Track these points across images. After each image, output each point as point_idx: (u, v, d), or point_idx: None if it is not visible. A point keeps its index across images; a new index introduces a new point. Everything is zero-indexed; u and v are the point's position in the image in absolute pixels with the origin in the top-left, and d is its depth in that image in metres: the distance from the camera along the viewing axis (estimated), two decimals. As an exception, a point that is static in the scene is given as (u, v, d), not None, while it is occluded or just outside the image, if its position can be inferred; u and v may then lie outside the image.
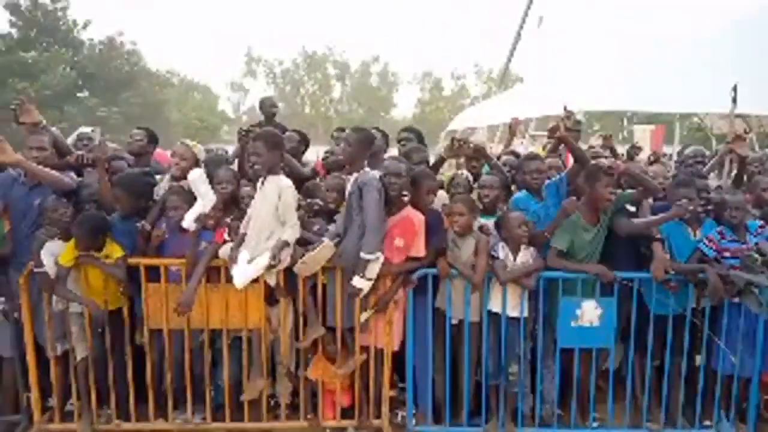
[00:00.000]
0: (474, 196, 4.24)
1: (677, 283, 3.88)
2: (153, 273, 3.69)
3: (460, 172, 4.34)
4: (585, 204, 3.85)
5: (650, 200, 4.16)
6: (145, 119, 26.76)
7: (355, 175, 3.68)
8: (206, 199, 3.83)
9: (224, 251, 3.66)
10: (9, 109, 3.94)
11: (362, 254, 3.50)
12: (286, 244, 3.57)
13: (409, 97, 44.67)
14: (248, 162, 3.81)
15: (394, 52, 57.59)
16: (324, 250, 3.63)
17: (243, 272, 3.53)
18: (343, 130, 5.45)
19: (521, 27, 22.82)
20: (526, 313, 3.86)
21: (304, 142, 5.15)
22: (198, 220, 3.71)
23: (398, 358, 4.02)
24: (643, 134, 12.65)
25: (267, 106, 6.46)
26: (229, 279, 3.74)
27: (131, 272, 3.68)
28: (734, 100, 5.08)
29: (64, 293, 3.60)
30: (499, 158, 5.07)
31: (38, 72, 26.03)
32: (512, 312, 3.86)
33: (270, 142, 3.59)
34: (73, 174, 3.97)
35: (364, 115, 39.15)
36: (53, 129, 4.22)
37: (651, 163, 5.12)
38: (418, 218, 3.79)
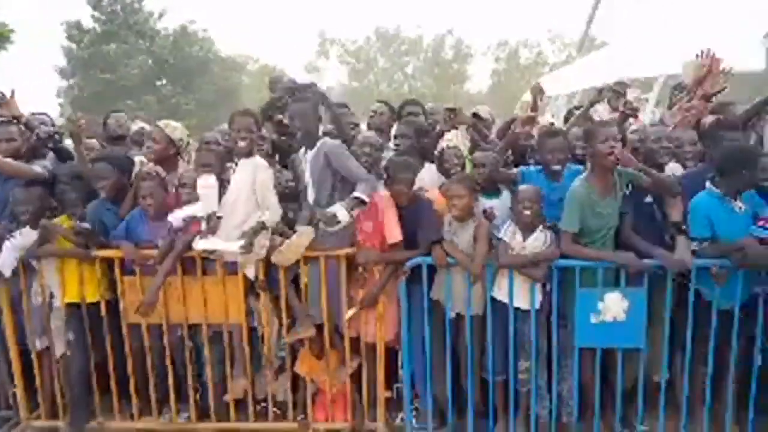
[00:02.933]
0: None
1: (721, 270, 3.23)
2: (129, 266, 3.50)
3: (448, 144, 3.81)
4: (592, 172, 3.28)
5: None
6: (219, 104, 27.45)
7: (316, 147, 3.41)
8: (208, 208, 3.41)
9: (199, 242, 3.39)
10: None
11: (356, 193, 3.28)
12: (262, 227, 3.28)
13: (484, 69, 43.06)
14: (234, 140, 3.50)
15: (467, 24, 55.79)
16: (302, 236, 3.30)
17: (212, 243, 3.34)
18: (385, 103, 4.99)
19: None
20: (537, 305, 3.36)
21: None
22: (186, 222, 3.40)
23: (395, 355, 3.64)
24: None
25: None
26: (207, 271, 3.51)
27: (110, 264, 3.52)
28: None
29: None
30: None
31: (118, 63, 27.25)
32: (520, 303, 3.37)
33: (257, 122, 3.47)
34: (46, 163, 3.82)
35: (437, 90, 38.28)
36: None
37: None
38: (383, 199, 3.40)
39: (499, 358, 3.44)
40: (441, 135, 3.92)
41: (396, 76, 44.13)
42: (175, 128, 3.87)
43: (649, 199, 3.48)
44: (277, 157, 4.08)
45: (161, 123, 3.90)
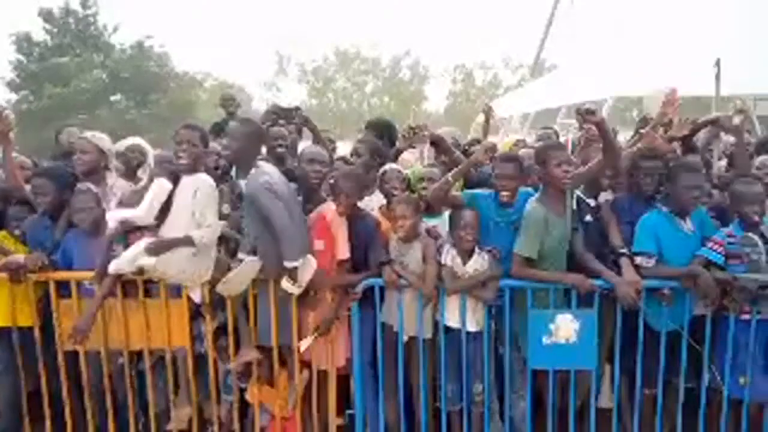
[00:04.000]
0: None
1: (671, 291, 3.28)
2: (65, 288, 3.32)
3: (390, 166, 3.76)
4: (545, 194, 3.29)
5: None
6: (175, 120, 26.90)
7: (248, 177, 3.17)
8: (146, 212, 3.19)
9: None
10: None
11: (285, 263, 3.05)
12: (188, 241, 3.10)
13: (440, 90, 43.72)
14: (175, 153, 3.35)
15: (424, 45, 56.68)
16: (246, 267, 3.18)
17: (117, 260, 3.13)
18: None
19: (553, 12, 22.03)
20: (488, 327, 3.33)
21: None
22: (123, 223, 3.20)
23: (345, 381, 3.55)
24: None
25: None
26: (149, 293, 3.36)
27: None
28: (717, 76, 4.49)
29: None
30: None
31: (71, 77, 26.48)
32: (472, 326, 3.34)
33: (204, 137, 3.28)
34: None
35: (395, 109, 38.58)
36: None
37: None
38: (332, 213, 3.33)
39: (453, 385, 3.39)
40: (398, 154, 3.88)
41: (355, 96, 44.36)
42: (102, 138, 3.67)
43: (589, 218, 3.52)
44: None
45: (88, 134, 3.71)
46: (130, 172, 3.83)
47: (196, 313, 3.40)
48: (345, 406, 3.63)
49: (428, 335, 3.40)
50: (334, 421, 3.48)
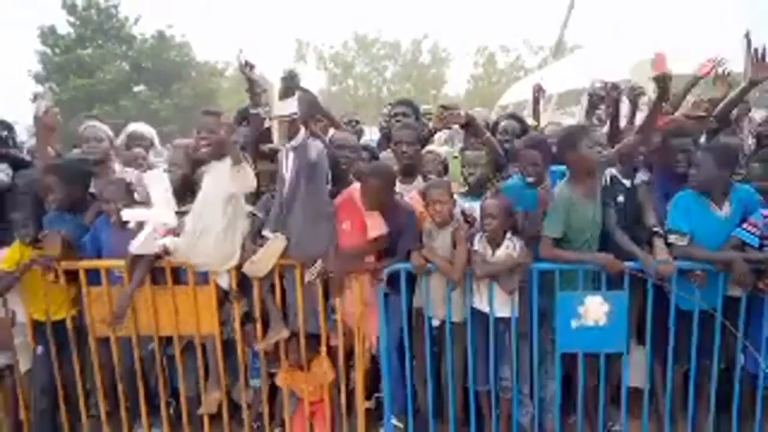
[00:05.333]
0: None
1: (704, 273, 3.21)
2: (93, 276, 3.36)
3: (431, 149, 3.74)
4: (574, 176, 3.22)
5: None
6: (197, 109, 27.04)
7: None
8: (160, 205, 3.29)
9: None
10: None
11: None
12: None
13: (461, 74, 43.28)
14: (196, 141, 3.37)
15: (444, 28, 55.90)
16: (273, 244, 3.19)
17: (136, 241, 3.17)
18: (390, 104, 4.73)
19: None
20: (517, 312, 3.29)
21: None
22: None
23: (373, 365, 3.55)
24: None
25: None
26: (179, 281, 3.39)
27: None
28: (747, 50, 4.31)
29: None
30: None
31: (94, 68, 26.80)
32: (501, 311, 3.31)
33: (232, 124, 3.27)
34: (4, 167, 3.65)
35: (415, 94, 38.33)
36: None
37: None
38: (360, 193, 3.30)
39: (481, 368, 3.37)
40: (432, 134, 3.85)
41: (375, 81, 44.12)
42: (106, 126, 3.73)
43: (621, 198, 3.46)
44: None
45: (95, 123, 3.73)
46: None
47: (224, 298, 3.42)
48: (373, 389, 3.63)
49: (458, 319, 3.37)
50: (362, 404, 3.49)
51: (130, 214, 3.26)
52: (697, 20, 12.38)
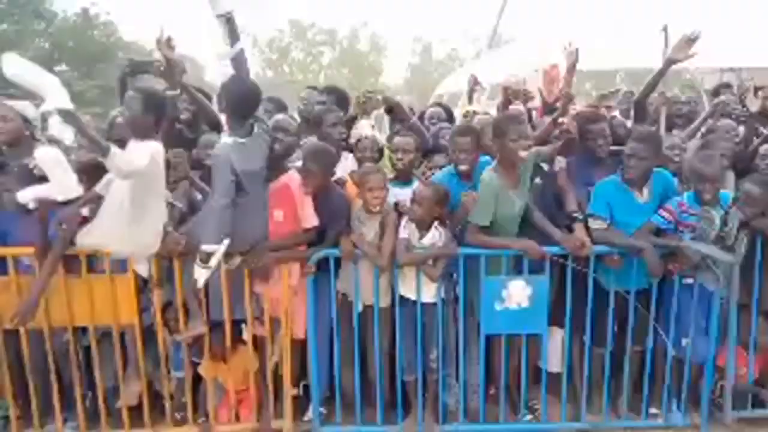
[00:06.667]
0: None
1: (620, 257, 3.35)
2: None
3: (365, 134, 3.73)
4: (500, 165, 3.27)
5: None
6: (124, 92, 25.91)
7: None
8: (60, 185, 3.08)
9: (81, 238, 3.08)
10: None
11: (202, 246, 2.98)
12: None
13: (399, 63, 43.34)
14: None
15: (383, 17, 55.77)
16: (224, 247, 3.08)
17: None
18: (314, 88, 4.76)
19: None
20: (443, 295, 3.34)
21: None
22: (40, 202, 3.04)
23: (301, 352, 3.52)
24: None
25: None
26: (93, 269, 3.23)
27: None
28: (666, 43, 4.53)
29: None
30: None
31: (10, 46, 25.16)
32: (427, 297, 3.34)
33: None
34: None
35: (353, 81, 38.14)
36: None
37: None
38: (296, 182, 3.25)
39: (409, 355, 3.40)
40: (353, 120, 3.81)
41: (312, 67, 43.61)
42: (26, 106, 3.45)
43: (538, 180, 3.56)
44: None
45: (6, 101, 3.50)
46: None
47: (143, 286, 3.29)
48: (300, 376, 3.60)
49: (384, 304, 3.39)
50: (289, 391, 3.45)
51: (25, 195, 3.06)
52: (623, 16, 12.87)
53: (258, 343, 3.43)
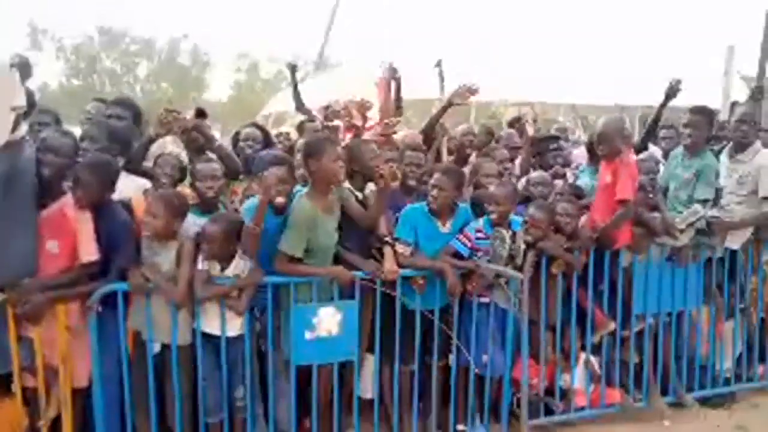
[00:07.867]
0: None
1: (424, 280, 3.46)
2: None
3: (168, 149, 3.44)
4: (314, 188, 3.20)
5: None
6: None
7: None
8: None
9: None
10: None
11: None
12: None
13: (224, 79, 42.08)
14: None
15: (206, 32, 53.66)
16: None
17: None
18: (102, 101, 4.38)
19: (335, 8, 22.49)
20: (249, 329, 3.16)
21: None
22: None
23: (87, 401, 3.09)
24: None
25: None
26: None
27: None
28: (441, 77, 5.27)
29: None
30: None
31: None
32: (233, 331, 3.13)
33: None
34: None
35: (174, 96, 36.18)
36: None
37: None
38: (73, 209, 2.91)
39: (213, 395, 3.15)
40: (152, 140, 3.48)
41: (126, 79, 40.58)
42: None
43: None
44: None
45: None
46: None
47: None
48: (84, 430, 3.15)
49: (183, 342, 3.10)
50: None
51: None
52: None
53: (29, 396, 2.93)
